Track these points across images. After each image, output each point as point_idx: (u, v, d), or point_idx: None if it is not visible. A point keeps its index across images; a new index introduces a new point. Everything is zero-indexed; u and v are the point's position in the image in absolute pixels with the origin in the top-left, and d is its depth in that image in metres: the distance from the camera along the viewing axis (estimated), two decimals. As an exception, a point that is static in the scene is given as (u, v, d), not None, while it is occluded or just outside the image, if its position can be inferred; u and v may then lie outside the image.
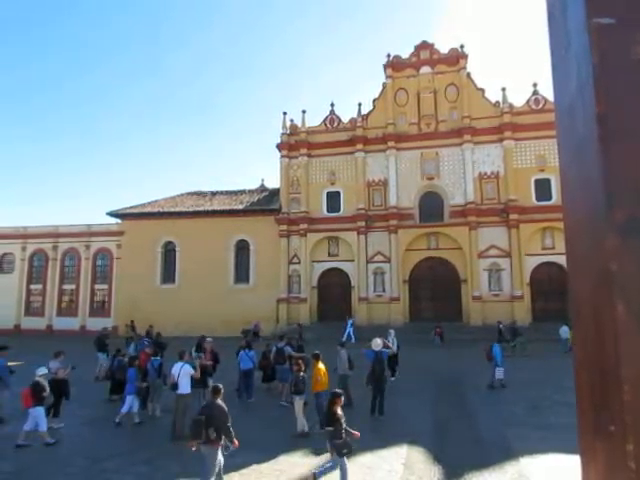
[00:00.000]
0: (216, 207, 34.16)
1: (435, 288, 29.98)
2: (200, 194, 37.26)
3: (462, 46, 31.62)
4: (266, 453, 8.37)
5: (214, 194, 36.94)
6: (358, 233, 30.82)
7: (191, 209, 34.33)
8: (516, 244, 28.46)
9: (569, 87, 0.59)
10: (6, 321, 34.20)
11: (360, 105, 32.70)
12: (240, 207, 33.59)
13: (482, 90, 31.21)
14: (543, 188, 28.85)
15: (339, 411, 6.75)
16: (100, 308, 35.32)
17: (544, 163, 28.97)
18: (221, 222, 33.04)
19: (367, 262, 30.71)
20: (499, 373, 13.56)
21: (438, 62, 31.90)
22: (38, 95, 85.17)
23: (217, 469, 6.54)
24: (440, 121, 31.25)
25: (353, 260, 30.88)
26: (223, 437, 6.64)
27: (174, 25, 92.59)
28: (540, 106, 29.78)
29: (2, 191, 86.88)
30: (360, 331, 26.02)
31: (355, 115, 32.62)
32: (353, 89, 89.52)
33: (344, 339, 24.76)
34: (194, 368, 10.03)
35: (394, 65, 32.47)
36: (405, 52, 32.63)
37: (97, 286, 35.80)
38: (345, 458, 6.60)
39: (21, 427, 8.97)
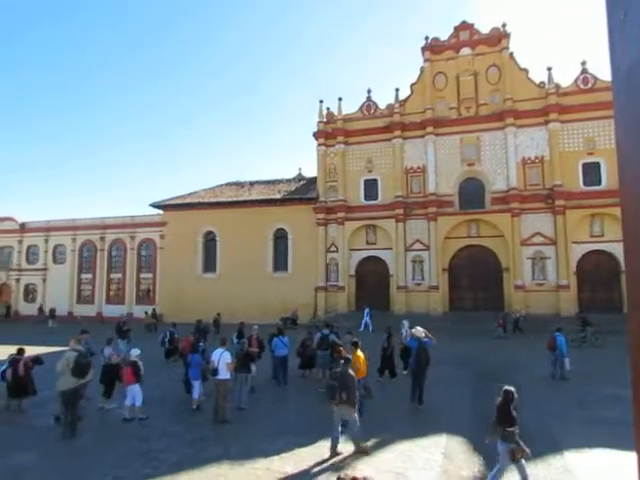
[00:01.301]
0: (254, 197, 34.58)
1: (475, 277, 29.33)
2: (239, 184, 37.81)
3: (504, 25, 30.40)
4: (305, 438, 8.48)
5: (252, 184, 37.40)
6: (396, 221, 30.48)
7: (230, 199, 34.89)
8: (562, 231, 27.39)
9: (628, 52, 0.54)
10: (60, 308, 36.00)
11: (397, 90, 32.12)
12: (278, 196, 33.87)
13: (526, 70, 29.96)
14: (592, 172, 27.56)
15: (514, 412, 6.22)
16: (145, 296, 36.67)
17: (593, 146, 27.64)
18: (260, 211, 33.45)
19: (405, 250, 30.37)
20: (567, 364, 13.26)
21: (478, 43, 30.83)
22: (84, 84, 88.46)
23: (355, 428, 7.77)
24: (481, 104, 30.28)
25: (391, 248, 30.62)
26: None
27: (203, 18, 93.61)
28: (589, 85, 28.33)
29: (53, 183, 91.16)
30: (393, 320, 25.86)
31: (392, 101, 32.08)
32: (390, 75, 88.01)
33: (362, 328, 24.76)
34: (236, 356, 10.24)
35: (432, 48, 31.64)
36: (444, 34, 31.76)
37: (142, 275, 37.14)
38: (521, 462, 6.10)
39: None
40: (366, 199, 31.84)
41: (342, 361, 8.45)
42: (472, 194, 29.75)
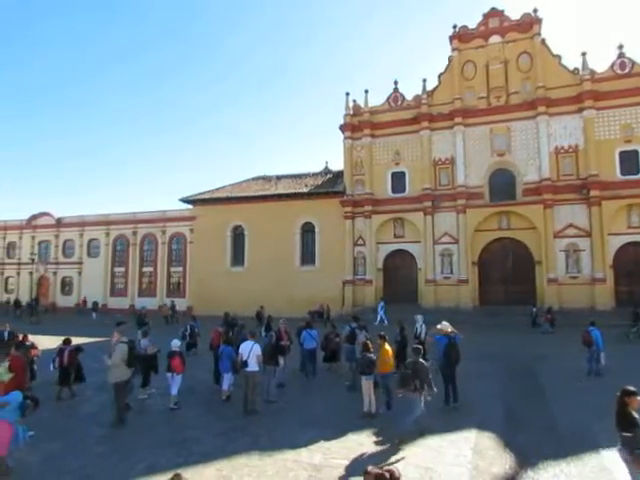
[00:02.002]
0: (281, 191, 34.74)
1: (506, 270, 28.73)
2: (266, 178, 38.06)
3: (535, 10, 29.44)
4: (333, 431, 8.52)
5: (279, 178, 37.57)
6: (424, 214, 30.09)
7: (258, 193, 35.16)
8: (597, 223, 26.48)
9: None
10: (96, 300, 37.10)
11: (425, 81, 31.58)
12: (305, 190, 33.91)
13: (558, 57, 28.97)
14: (630, 161, 26.52)
15: (635, 413, 5.41)
16: (176, 289, 37.47)
17: (631, 133, 26.59)
18: (287, 205, 33.61)
19: (434, 243, 29.99)
20: (602, 359, 12.85)
21: (509, 30, 29.97)
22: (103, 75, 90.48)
23: (418, 412, 8.12)
24: (511, 93, 29.48)
25: (419, 241, 30.30)
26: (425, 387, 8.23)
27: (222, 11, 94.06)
28: (627, 70, 27.22)
29: (87, 176, 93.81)
30: (427, 314, 25.66)
31: (420, 92, 31.58)
32: (417, 65, 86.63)
33: (377, 322, 24.52)
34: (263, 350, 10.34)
35: (461, 36, 30.95)
36: (472, 22, 31.02)
37: (173, 268, 37.95)
38: None
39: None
40: (393, 192, 31.54)
41: (413, 351, 8.89)
42: (502, 185, 29.06)
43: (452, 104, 30.38)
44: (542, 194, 27.64)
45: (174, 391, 10.19)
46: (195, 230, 36.69)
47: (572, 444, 7.76)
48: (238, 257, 35.34)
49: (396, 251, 31.43)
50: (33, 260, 38.83)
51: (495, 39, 30.25)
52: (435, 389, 8.60)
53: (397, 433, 8.04)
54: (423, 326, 14.01)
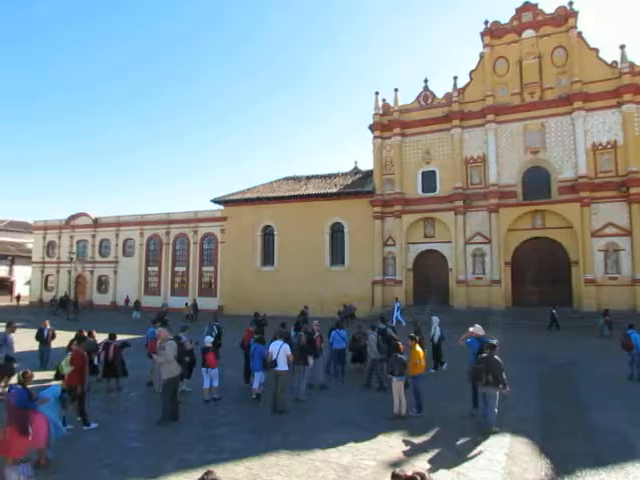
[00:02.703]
0: (311, 191, 34.81)
1: (541, 270, 27.91)
2: (295, 179, 38.24)
3: (571, 3, 28.49)
4: (362, 432, 8.47)
5: (309, 178, 37.69)
6: (455, 213, 29.59)
7: (287, 194, 35.35)
8: (638, 221, 25.44)
9: None
10: (131, 298, 38.14)
11: (456, 79, 31.06)
12: (334, 190, 33.88)
13: (595, 50, 27.94)
14: (673, 157, 25.34)
15: None
16: (207, 288, 38.08)
17: (675, 128, 25.40)
18: (316, 205, 33.67)
19: (465, 243, 29.46)
20: None
21: (543, 24, 29.11)
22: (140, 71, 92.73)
23: (493, 403, 8.47)
24: (546, 89, 28.63)
25: (450, 241, 29.82)
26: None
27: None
28: (670, 62, 26.02)
29: (122, 176, 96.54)
30: (458, 315, 25.25)
31: (450, 89, 31.08)
32: (448, 63, 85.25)
33: (393, 323, 24.09)
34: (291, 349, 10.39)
35: (493, 32, 30.28)
36: (505, 17, 30.30)
37: (204, 268, 38.57)
38: None
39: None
40: (424, 191, 31.15)
41: (487, 347, 9.09)
42: (537, 183, 28.26)
43: (484, 101, 29.77)
44: (579, 192, 26.74)
45: (208, 384, 10.66)
46: (226, 230, 37.20)
47: (613, 452, 7.47)
48: (268, 257, 35.64)
49: (426, 251, 31.02)
50: (71, 259, 40.16)
51: (529, 33, 29.44)
52: (508, 388, 8.60)
53: (488, 428, 8.38)
54: (437, 328, 13.79)
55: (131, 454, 7.53)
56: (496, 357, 8.67)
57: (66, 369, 9.26)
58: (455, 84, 31.00)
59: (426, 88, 32.12)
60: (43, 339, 14.31)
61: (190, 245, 39.20)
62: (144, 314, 31.10)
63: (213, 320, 15.90)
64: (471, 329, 10.34)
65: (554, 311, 23.65)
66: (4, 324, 12.72)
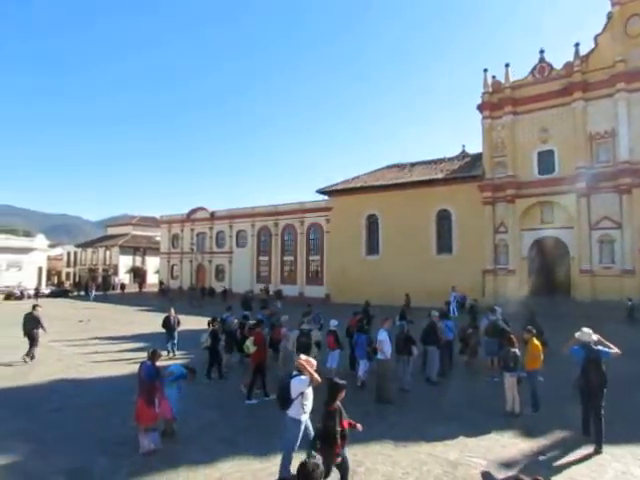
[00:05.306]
0: (415, 178, 33.92)
1: (687, 258, 24.25)
2: (400, 166, 37.56)
3: None
4: (471, 428, 8.08)
5: (413, 165, 36.77)
6: (578, 196, 26.82)
7: (391, 182, 34.84)
8: None
9: None
10: (244, 286, 40.62)
11: (577, 46, 27.96)
12: (440, 176, 32.62)
13: None
14: None
15: None
16: (314, 277, 39.20)
17: None
18: (421, 193, 32.75)
19: (590, 229, 26.61)
20: None
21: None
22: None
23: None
24: (694, 47, 24.57)
25: (572, 227, 27.16)
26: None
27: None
28: None
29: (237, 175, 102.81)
30: (575, 307, 22.96)
31: (571, 58, 28.05)
32: (565, 34, 77.06)
33: (454, 314, 22.00)
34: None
35: (625, -13, 26.64)
36: (640, -32, 26.44)
37: (311, 257, 39.75)
38: None
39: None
40: (540, 173, 28.67)
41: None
42: (681, 159, 24.50)
43: (613, 68, 26.42)
44: None
45: (329, 365, 11.23)
46: (331, 220, 37.84)
47: None
48: (373, 246, 35.57)
49: (543, 238, 28.63)
50: (192, 250, 43.89)
51: (670, -16, 25.45)
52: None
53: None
54: (497, 322, 12.31)
55: (242, 431, 8.01)
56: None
57: (251, 348, 10.28)
58: (577, 51, 27.92)
59: (542, 60, 29.37)
60: (170, 326, 14.94)
61: (297, 235, 40.60)
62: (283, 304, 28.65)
63: (308, 308, 15.61)
64: (577, 334, 7.93)
65: None
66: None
